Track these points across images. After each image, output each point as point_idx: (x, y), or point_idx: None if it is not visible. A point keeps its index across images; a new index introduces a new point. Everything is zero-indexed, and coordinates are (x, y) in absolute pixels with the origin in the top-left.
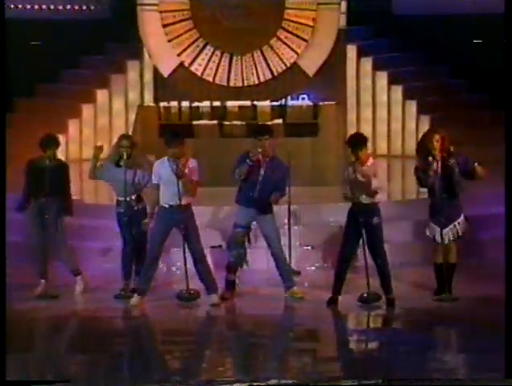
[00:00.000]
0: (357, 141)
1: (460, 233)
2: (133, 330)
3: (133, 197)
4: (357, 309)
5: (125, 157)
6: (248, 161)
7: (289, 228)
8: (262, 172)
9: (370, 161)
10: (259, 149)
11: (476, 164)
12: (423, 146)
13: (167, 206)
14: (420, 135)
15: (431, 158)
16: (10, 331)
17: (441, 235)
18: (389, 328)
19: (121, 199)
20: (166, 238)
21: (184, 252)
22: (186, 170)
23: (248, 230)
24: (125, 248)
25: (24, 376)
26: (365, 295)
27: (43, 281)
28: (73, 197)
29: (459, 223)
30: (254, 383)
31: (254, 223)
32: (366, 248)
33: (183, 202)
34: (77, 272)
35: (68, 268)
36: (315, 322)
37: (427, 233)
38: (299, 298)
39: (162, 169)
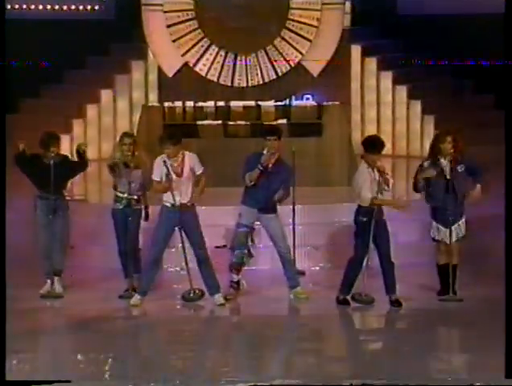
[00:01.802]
0: (379, 144)
1: (463, 233)
2: (134, 329)
3: (135, 197)
4: (361, 309)
5: (128, 154)
6: (259, 166)
7: (293, 228)
8: (267, 173)
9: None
10: (265, 151)
11: (478, 185)
12: (435, 147)
13: (168, 205)
14: (425, 135)
15: (442, 159)
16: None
17: (450, 234)
18: (393, 328)
19: (123, 195)
20: (168, 238)
21: (185, 252)
22: (184, 170)
23: (251, 230)
24: (120, 247)
25: (24, 376)
26: (359, 295)
27: (48, 281)
28: (78, 197)
29: (462, 222)
30: (258, 384)
31: (258, 223)
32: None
33: (183, 201)
34: (61, 272)
35: (57, 266)
36: (320, 322)
37: (432, 235)
38: (304, 298)
39: (160, 167)
